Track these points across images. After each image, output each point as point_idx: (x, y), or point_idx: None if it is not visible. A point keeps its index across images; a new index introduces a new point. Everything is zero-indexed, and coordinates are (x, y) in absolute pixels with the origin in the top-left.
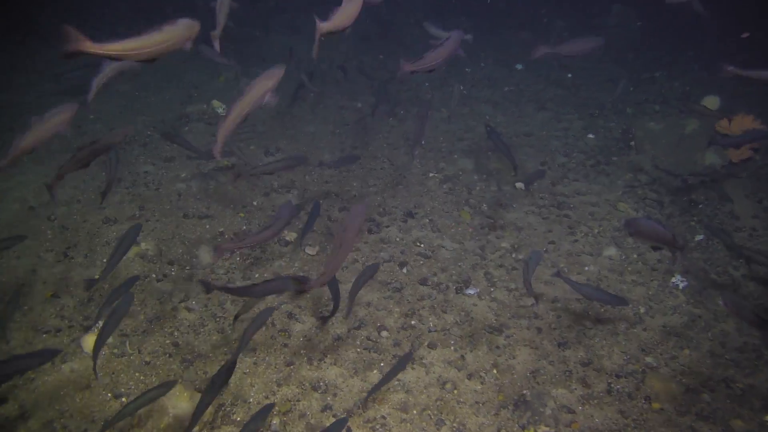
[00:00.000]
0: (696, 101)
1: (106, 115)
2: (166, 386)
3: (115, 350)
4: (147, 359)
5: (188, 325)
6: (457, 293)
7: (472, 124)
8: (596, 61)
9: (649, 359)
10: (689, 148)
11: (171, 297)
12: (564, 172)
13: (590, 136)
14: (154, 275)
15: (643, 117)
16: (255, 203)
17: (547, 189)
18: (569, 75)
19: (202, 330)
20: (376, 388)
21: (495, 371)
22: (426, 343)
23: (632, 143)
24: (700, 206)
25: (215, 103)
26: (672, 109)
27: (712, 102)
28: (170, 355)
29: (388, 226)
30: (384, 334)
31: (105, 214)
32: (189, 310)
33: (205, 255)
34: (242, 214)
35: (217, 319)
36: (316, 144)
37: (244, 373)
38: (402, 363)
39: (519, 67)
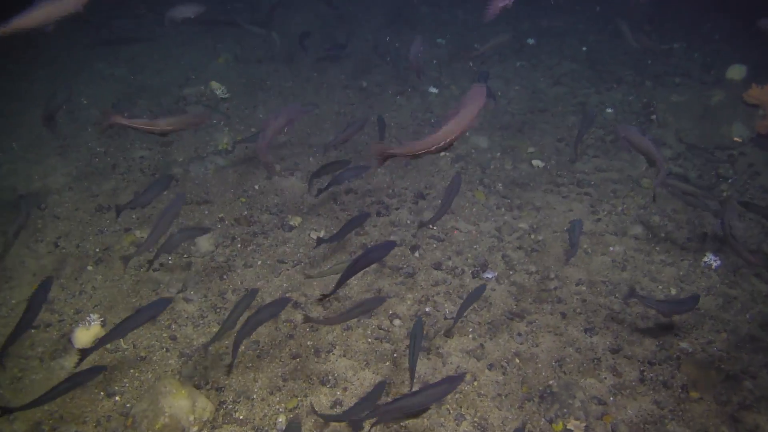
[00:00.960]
0: (718, 73)
1: (100, 100)
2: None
3: (109, 345)
4: (142, 354)
5: (187, 317)
6: (473, 278)
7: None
8: (613, 35)
9: (683, 344)
10: (715, 121)
11: (168, 287)
12: (583, 149)
13: (609, 110)
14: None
15: (663, 89)
16: (256, 187)
17: (565, 166)
18: (584, 48)
19: (201, 322)
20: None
21: (517, 360)
22: (442, 332)
23: (653, 117)
24: (729, 181)
25: (213, 84)
26: (694, 82)
27: (738, 72)
28: (167, 350)
29: (398, 209)
30: (396, 322)
31: (98, 201)
32: (187, 301)
33: (204, 242)
34: (243, 199)
35: (218, 311)
36: (320, 125)
37: (247, 367)
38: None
39: (531, 41)
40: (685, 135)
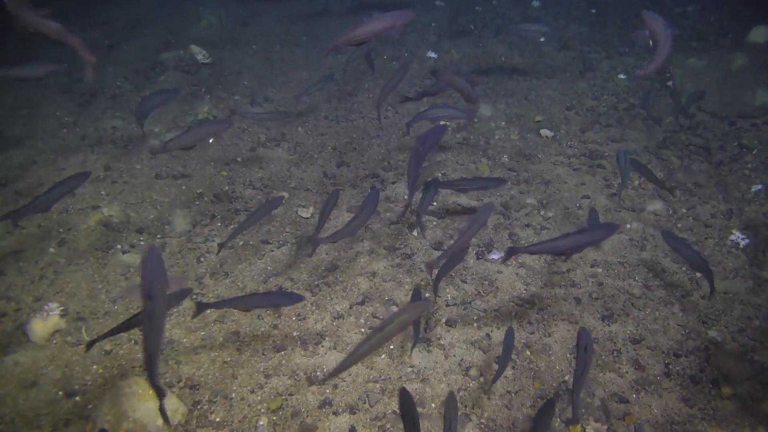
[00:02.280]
0: (735, 36)
1: (69, 66)
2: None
3: (69, 337)
4: (108, 348)
5: None
6: (478, 259)
7: (485, 66)
8: None
9: (712, 333)
10: (737, 87)
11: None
12: (594, 117)
13: (621, 76)
14: (119, 246)
15: (680, 54)
16: (239, 159)
17: (575, 136)
18: (593, 10)
19: (174, 310)
20: None
21: (528, 352)
22: (444, 320)
23: (669, 83)
24: (754, 152)
25: (194, 48)
26: (710, 45)
27: (761, 34)
28: (136, 342)
29: (394, 183)
30: (393, 309)
31: (63, 176)
32: None
33: (180, 221)
34: (225, 173)
35: (194, 297)
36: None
37: (225, 362)
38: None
39: (536, 3)
40: (704, 102)
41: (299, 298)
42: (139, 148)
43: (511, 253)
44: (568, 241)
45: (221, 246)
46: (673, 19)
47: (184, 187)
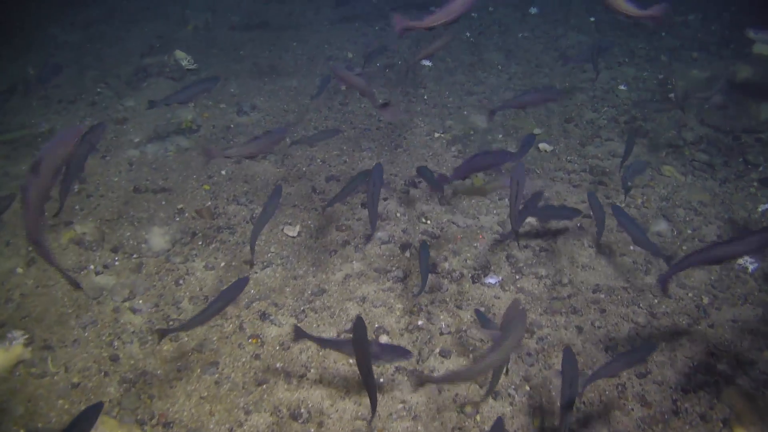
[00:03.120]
0: (737, 46)
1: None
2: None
3: (34, 369)
4: (75, 380)
5: (132, 332)
6: (474, 283)
7: (482, 75)
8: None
9: (722, 366)
10: (742, 99)
11: (112, 294)
12: (594, 130)
13: (622, 87)
14: (92, 266)
15: (681, 64)
16: (223, 172)
17: (575, 150)
18: (592, 19)
19: (150, 338)
20: None
21: (527, 387)
22: (437, 350)
23: (672, 95)
24: (761, 168)
25: (179, 53)
26: (712, 56)
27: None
28: (106, 374)
29: (386, 199)
30: (384, 339)
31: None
32: (134, 311)
33: (158, 239)
34: (207, 187)
35: (171, 323)
36: (300, 101)
37: (202, 397)
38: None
39: (533, 10)
40: (707, 116)
41: (406, 355)
42: (117, 158)
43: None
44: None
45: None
46: (674, 29)
47: (163, 202)
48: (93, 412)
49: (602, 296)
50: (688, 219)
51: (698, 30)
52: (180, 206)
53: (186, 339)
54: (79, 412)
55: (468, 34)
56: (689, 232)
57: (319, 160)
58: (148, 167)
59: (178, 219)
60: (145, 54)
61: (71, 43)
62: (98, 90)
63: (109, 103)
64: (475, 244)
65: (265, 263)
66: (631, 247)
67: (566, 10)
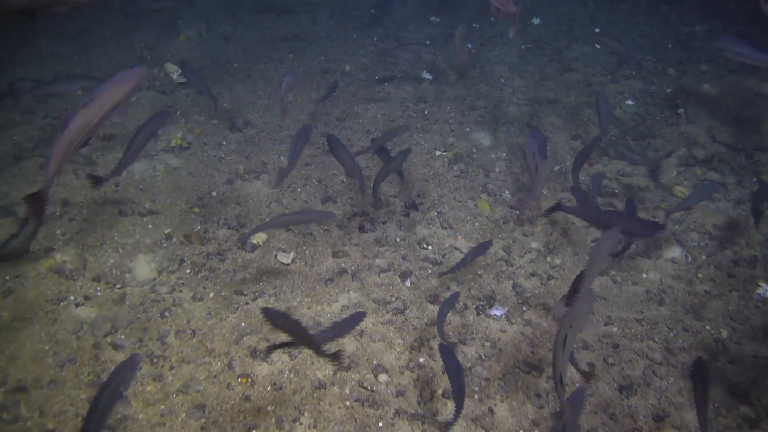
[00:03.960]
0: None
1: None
2: None
3: (5, 414)
4: (50, 425)
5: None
6: (478, 314)
7: (484, 89)
8: (627, 14)
9: (744, 409)
10: (755, 116)
11: (93, 328)
12: (601, 148)
13: (629, 102)
14: (72, 297)
15: (690, 78)
16: (214, 194)
17: (582, 169)
18: (597, 30)
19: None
20: None
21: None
22: (440, 391)
23: (681, 110)
24: None
25: (169, 66)
26: (721, 69)
27: None
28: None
29: (385, 222)
30: (383, 378)
31: (8, 201)
32: (116, 347)
33: (143, 267)
34: (197, 210)
35: (155, 361)
36: (295, 116)
37: None
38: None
39: (536, 21)
40: (719, 133)
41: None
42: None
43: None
44: None
45: None
46: (681, 40)
47: (150, 226)
48: None
49: (614, 329)
50: (702, 244)
51: (706, 41)
52: (167, 231)
53: (171, 379)
54: None
55: (469, 45)
56: (704, 258)
57: (315, 180)
58: (135, 188)
59: (165, 245)
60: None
61: (59, 54)
62: None
63: None
64: (479, 272)
65: (256, 293)
66: (644, 275)
67: (569, 21)
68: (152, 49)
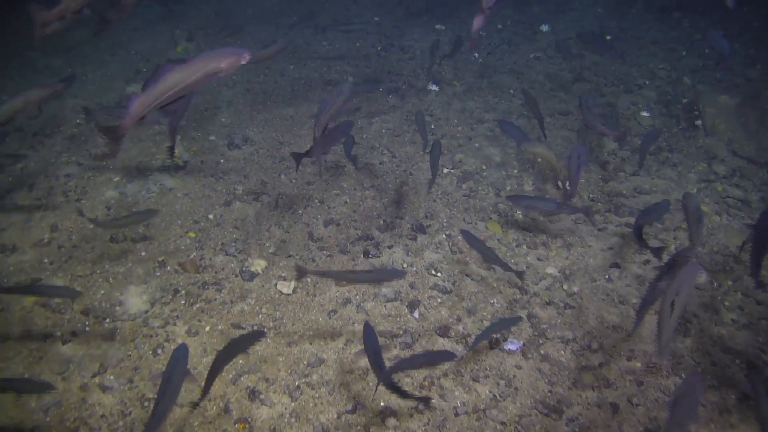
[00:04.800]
0: (765, 66)
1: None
2: None
3: None
4: None
5: (102, 416)
6: (492, 349)
7: (493, 100)
8: (637, 20)
9: None
10: None
11: (80, 368)
12: (618, 164)
13: (644, 113)
14: (59, 333)
15: (707, 87)
16: (210, 217)
17: (597, 186)
18: (608, 37)
19: (120, 424)
20: None
21: None
22: None
23: (699, 122)
24: None
25: None
26: (737, 77)
27: None
28: None
29: (390, 247)
30: (391, 422)
31: (1, 240)
32: (105, 389)
33: (134, 299)
34: (192, 234)
35: (146, 405)
36: (296, 131)
37: None
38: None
39: (545, 28)
40: (740, 147)
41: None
42: (93, 201)
43: None
44: None
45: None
46: (693, 47)
47: (143, 254)
48: None
49: (638, 365)
50: (727, 268)
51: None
52: (161, 258)
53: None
54: None
55: (476, 55)
56: (730, 283)
57: (316, 200)
58: (128, 211)
59: (158, 273)
60: (130, 80)
61: (52, 67)
62: (77, 121)
63: (89, 137)
64: (492, 300)
65: (255, 327)
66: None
67: (579, 27)
68: (148, 61)
